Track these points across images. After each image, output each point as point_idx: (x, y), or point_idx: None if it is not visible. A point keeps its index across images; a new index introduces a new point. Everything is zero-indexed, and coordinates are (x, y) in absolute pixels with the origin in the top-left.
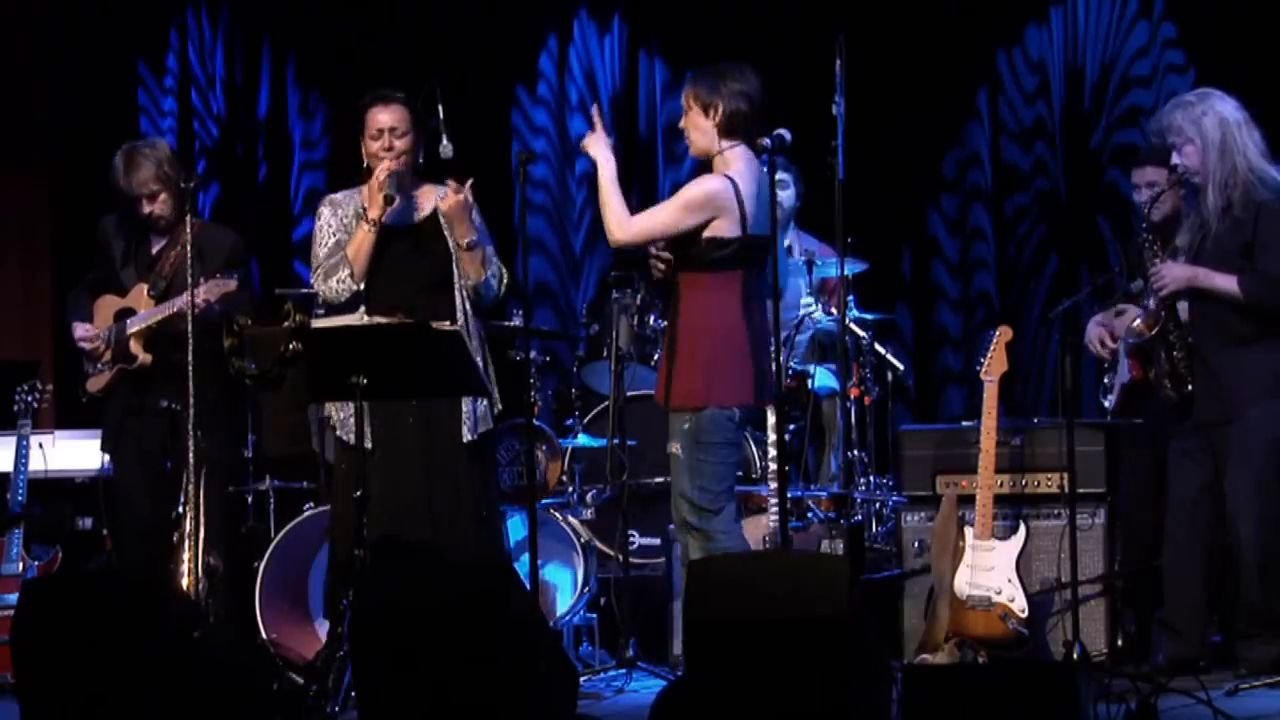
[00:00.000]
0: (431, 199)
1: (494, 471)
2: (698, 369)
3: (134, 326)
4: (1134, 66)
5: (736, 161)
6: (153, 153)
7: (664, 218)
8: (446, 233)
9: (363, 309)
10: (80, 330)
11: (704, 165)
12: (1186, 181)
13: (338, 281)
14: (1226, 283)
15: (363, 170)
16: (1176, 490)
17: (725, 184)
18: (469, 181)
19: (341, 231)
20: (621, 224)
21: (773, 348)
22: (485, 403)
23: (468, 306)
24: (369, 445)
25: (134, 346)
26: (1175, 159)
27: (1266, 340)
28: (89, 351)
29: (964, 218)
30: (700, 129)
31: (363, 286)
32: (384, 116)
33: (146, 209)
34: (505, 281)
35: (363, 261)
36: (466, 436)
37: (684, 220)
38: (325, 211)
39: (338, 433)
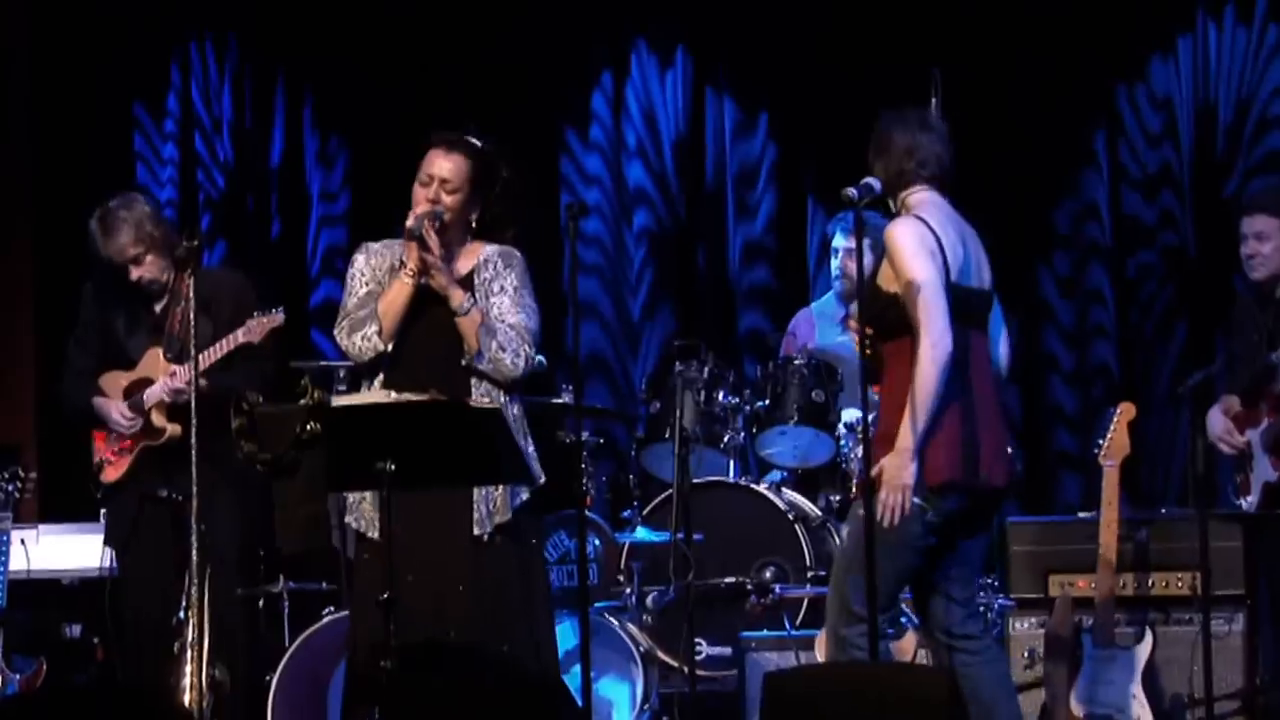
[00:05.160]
0: (471, 260)
1: (535, 567)
2: (888, 447)
3: (154, 396)
4: (1273, 104)
5: (922, 205)
6: (129, 214)
7: (927, 292)
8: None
9: (379, 379)
10: (115, 411)
11: None
12: None
13: (363, 339)
14: None
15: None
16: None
17: (914, 222)
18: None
19: (374, 283)
20: (932, 352)
21: (990, 419)
22: (501, 490)
23: (485, 384)
24: (374, 536)
25: (158, 419)
26: None
27: None
28: (125, 430)
29: (1079, 278)
30: (882, 183)
31: (390, 347)
32: (442, 163)
33: (134, 275)
34: (525, 360)
35: (393, 319)
36: (475, 530)
37: (932, 267)
38: (360, 258)
39: (350, 521)
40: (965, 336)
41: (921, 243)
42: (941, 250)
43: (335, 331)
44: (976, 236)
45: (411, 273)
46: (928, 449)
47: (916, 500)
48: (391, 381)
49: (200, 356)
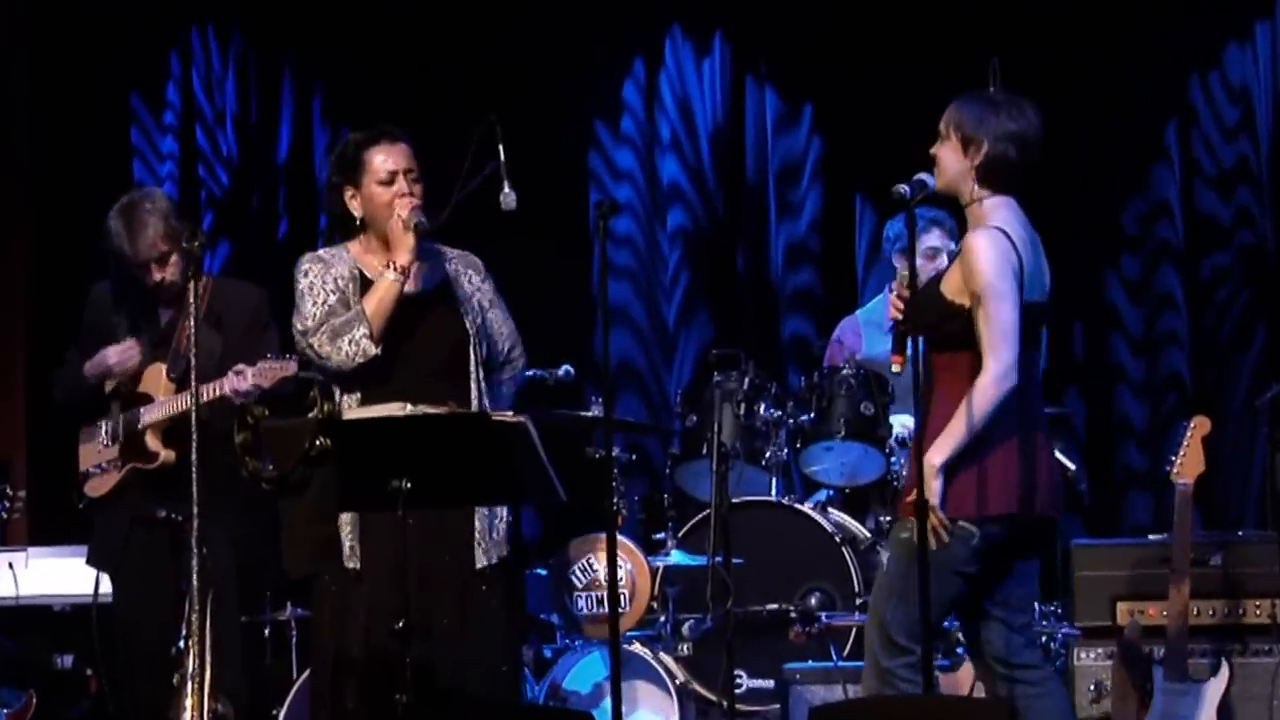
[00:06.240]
0: (441, 264)
1: (517, 594)
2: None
3: (149, 416)
4: None
5: (999, 210)
6: (155, 206)
7: (1006, 314)
8: (463, 307)
9: (357, 395)
10: (113, 354)
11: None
12: None
13: (350, 343)
14: None
15: (351, 226)
16: None
17: (999, 237)
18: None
19: (338, 291)
20: (1000, 384)
21: (1042, 445)
22: (507, 521)
23: (485, 400)
24: (355, 566)
25: (151, 441)
26: None
27: None
28: (126, 360)
29: (1149, 281)
30: (953, 164)
31: (380, 350)
32: (395, 158)
33: (156, 276)
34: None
35: (383, 320)
36: (480, 562)
37: (1015, 289)
38: (315, 268)
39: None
40: (1024, 356)
41: (1006, 260)
42: (1020, 267)
43: (311, 341)
44: (1039, 243)
45: (402, 269)
46: (986, 478)
47: (966, 524)
48: (374, 396)
49: (205, 390)
